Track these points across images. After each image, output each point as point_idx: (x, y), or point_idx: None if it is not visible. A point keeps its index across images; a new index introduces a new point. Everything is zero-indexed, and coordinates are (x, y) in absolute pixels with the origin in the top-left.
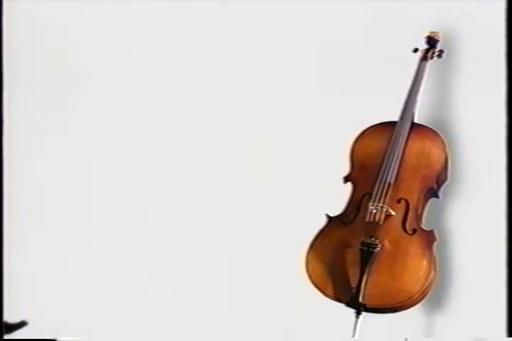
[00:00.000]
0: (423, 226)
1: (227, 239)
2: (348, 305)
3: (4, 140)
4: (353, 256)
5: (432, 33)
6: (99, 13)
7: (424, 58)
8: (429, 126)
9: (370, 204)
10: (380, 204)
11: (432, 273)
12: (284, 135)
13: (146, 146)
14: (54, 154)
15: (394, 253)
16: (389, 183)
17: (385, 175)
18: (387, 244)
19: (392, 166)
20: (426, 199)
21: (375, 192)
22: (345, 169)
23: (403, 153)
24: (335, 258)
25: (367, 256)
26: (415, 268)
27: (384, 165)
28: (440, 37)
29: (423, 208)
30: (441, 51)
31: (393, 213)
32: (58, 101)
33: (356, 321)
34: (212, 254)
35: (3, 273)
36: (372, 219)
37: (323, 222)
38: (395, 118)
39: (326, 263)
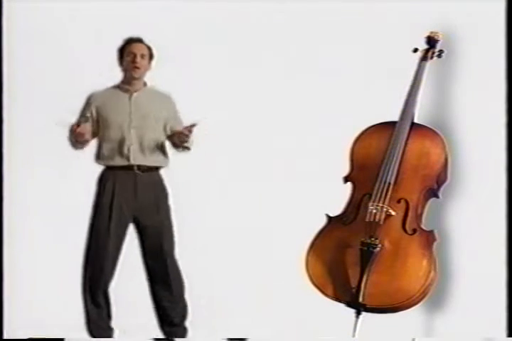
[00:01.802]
0: (423, 226)
1: (226, 239)
2: (348, 305)
3: (4, 140)
4: (353, 256)
5: (431, 33)
6: (99, 12)
7: (424, 58)
8: (429, 126)
9: (370, 204)
10: (380, 204)
11: (432, 273)
12: (284, 135)
13: None
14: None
15: (394, 253)
16: (389, 183)
17: (385, 175)
18: (387, 243)
19: (392, 166)
20: (426, 199)
21: (375, 192)
22: (345, 169)
23: (403, 153)
24: (335, 258)
25: (367, 256)
26: (415, 268)
27: (384, 165)
28: (440, 37)
29: (423, 208)
30: (441, 51)
31: (393, 213)
32: (58, 100)
33: (356, 321)
34: (212, 254)
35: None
36: (372, 219)
37: (323, 221)
38: (395, 118)
39: (326, 263)
